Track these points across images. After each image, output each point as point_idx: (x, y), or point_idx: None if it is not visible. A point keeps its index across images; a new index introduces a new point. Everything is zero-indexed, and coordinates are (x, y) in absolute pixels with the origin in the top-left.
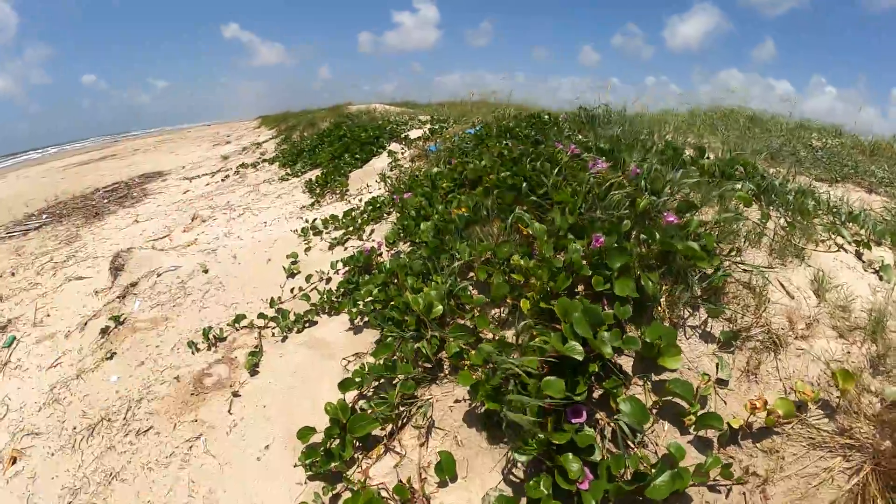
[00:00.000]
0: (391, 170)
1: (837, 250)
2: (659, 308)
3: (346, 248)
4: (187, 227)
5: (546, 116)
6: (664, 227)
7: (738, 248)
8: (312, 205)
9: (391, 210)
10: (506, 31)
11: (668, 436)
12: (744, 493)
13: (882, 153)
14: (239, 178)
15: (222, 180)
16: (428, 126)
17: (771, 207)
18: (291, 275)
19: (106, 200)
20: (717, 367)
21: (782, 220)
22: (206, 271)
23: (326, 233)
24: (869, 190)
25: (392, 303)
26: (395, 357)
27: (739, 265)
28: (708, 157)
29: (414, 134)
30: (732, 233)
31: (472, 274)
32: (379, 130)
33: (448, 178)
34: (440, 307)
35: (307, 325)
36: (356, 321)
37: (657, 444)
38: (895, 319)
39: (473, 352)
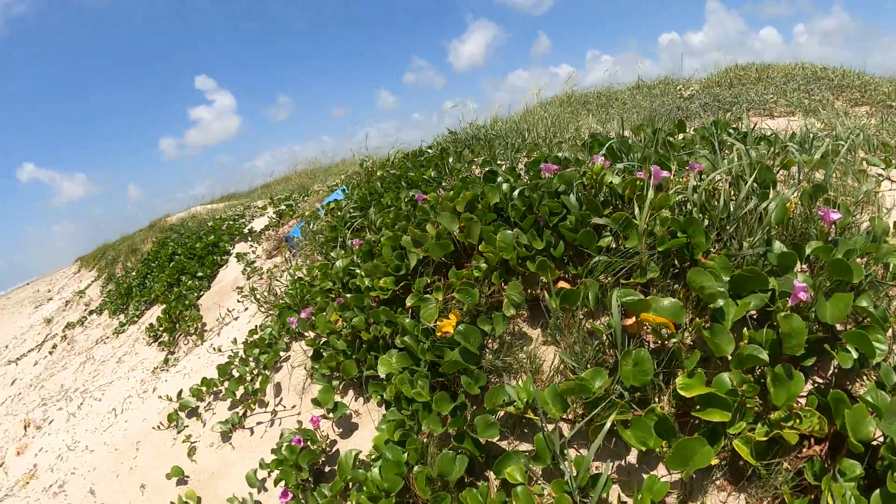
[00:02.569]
0: (248, 278)
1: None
2: None
3: (252, 433)
4: (21, 447)
5: (428, 150)
6: (826, 228)
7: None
8: (166, 361)
9: (289, 343)
10: (303, 100)
11: None
12: None
13: (734, 83)
14: (68, 344)
15: (50, 353)
16: (271, 210)
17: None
18: None
19: None
20: None
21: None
22: None
23: (207, 410)
24: (770, 115)
25: None
26: None
27: None
28: (688, 132)
29: (258, 224)
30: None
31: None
32: (215, 234)
33: (376, 269)
34: None
35: None
36: None
37: None
38: None
39: None
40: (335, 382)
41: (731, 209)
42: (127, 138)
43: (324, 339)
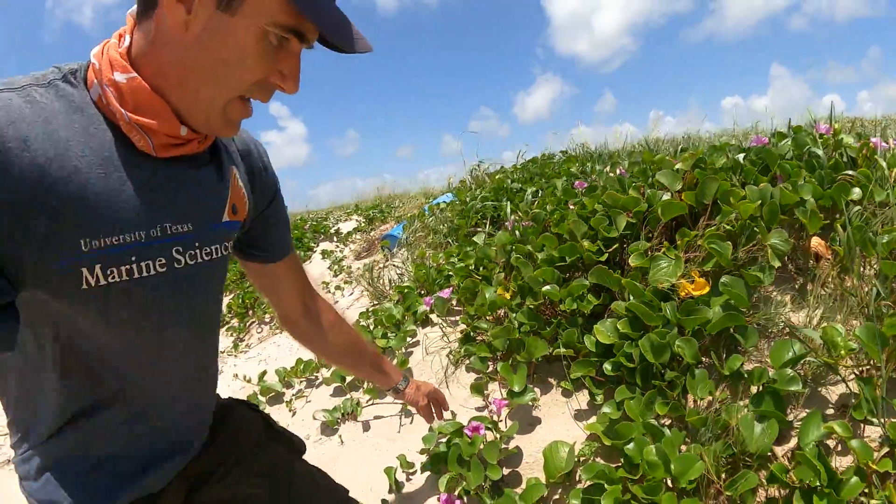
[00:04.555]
0: (336, 275)
1: None
2: None
3: (367, 427)
4: None
5: (560, 153)
6: None
7: None
8: (235, 346)
9: (415, 329)
10: (371, 136)
11: None
12: None
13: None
14: None
15: None
16: (356, 216)
17: None
18: None
19: None
20: None
21: None
22: None
23: (299, 397)
24: None
25: None
26: None
27: None
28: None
29: (345, 227)
30: None
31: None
32: (298, 230)
33: (550, 242)
34: None
35: None
36: None
37: None
38: None
39: None
40: (501, 366)
41: None
42: None
43: (476, 321)
